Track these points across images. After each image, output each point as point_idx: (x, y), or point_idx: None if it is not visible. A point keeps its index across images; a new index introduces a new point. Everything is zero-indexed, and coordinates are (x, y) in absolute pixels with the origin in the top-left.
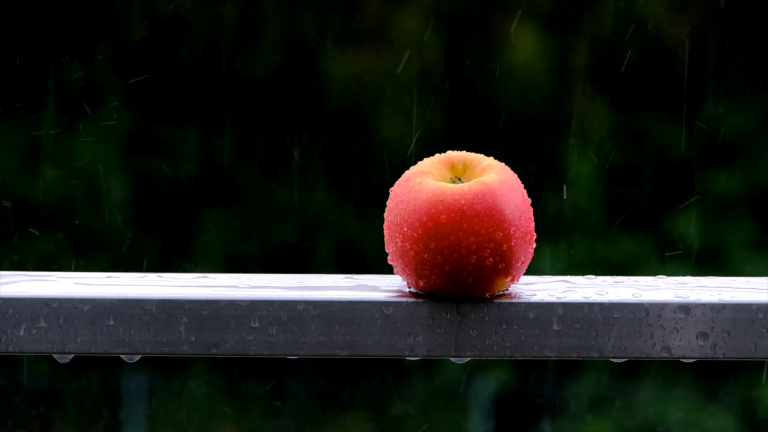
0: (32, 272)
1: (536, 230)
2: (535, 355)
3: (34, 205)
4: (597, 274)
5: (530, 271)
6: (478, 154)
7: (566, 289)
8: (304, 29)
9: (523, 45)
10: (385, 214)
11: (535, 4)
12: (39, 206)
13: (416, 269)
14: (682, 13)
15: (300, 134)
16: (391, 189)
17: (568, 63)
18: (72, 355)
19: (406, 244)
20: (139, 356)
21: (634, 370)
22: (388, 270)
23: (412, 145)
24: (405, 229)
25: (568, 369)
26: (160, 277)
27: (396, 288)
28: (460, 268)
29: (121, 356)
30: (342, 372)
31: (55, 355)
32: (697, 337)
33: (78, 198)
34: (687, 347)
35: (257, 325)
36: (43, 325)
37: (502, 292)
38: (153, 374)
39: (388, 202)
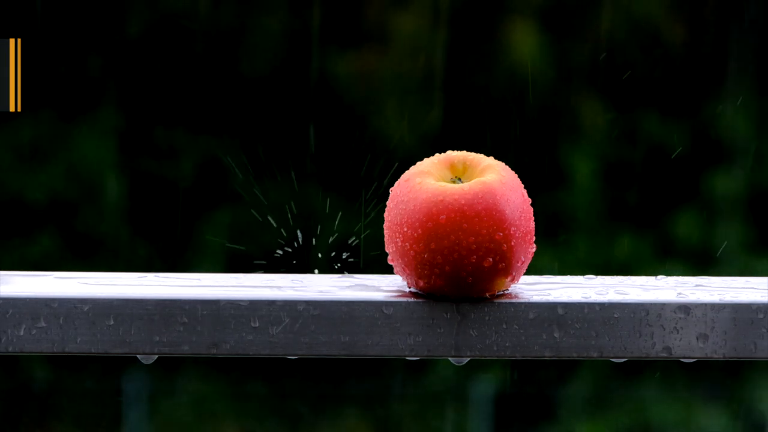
0: (32, 272)
1: (536, 230)
2: (535, 355)
3: (34, 204)
4: (597, 274)
5: (530, 271)
6: (478, 154)
7: (566, 289)
8: (306, 29)
9: (523, 44)
10: (385, 214)
11: (534, 4)
12: (38, 206)
13: (416, 269)
14: (682, 12)
15: (299, 134)
16: (391, 189)
17: (568, 63)
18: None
19: (406, 244)
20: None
21: (634, 370)
22: (388, 270)
23: (412, 144)
24: (405, 229)
25: (568, 369)
26: (160, 277)
27: (396, 288)
28: (460, 268)
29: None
30: (342, 372)
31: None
32: (697, 338)
33: (77, 198)
34: (687, 347)
35: (257, 325)
36: (43, 325)
37: (502, 292)
38: (153, 374)
39: (388, 202)
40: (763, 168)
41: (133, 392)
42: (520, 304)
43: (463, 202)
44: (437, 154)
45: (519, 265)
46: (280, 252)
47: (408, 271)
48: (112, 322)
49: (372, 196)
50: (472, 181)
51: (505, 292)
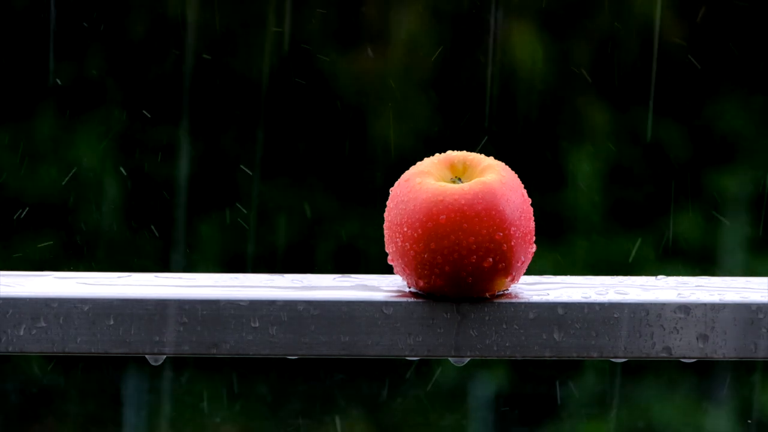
0: (32, 272)
1: (536, 230)
2: (535, 355)
3: (33, 204)
4: (597, 274)
5: (530, 271)
6: (478, 154)
7: (566, 289)
8: (305, 29)
9: (523, 44)
10: (385, 214)
11: (534, 4)
12: (38, 206)
13: (416, 269)
14: (682, 12)
15: (299, 134)
16: (391, 189)
17: (568, 62)
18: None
19: (406, 244)
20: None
21: (634, 370)
22: (388, 270)
23: (412, 145)
24: (405, 229)
25: (568, 369)
26: (160, 277)
27: (396, 288)
28: (460, 268)
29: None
30: (342, 372)
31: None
32: (697, 338)
33: (76, 198)
34: (687, 347)
35: (257, 325)
36: (43, 325)
37: (502, 292)
38: (153, 374)
39: (388, 202)
40: (764, 167)
41: (133, 392)
42: (520, 304)
43: (463, 202)
44: (437, 154)
45: (519, 265)
46: (280, 252)
47: (408, 271)
48: (112, 322)
49: (371, 196)
50: (472, 181)
51: (505, 292)
